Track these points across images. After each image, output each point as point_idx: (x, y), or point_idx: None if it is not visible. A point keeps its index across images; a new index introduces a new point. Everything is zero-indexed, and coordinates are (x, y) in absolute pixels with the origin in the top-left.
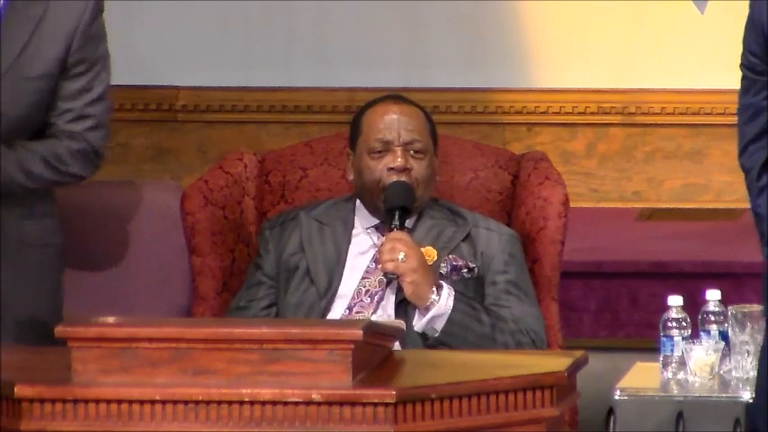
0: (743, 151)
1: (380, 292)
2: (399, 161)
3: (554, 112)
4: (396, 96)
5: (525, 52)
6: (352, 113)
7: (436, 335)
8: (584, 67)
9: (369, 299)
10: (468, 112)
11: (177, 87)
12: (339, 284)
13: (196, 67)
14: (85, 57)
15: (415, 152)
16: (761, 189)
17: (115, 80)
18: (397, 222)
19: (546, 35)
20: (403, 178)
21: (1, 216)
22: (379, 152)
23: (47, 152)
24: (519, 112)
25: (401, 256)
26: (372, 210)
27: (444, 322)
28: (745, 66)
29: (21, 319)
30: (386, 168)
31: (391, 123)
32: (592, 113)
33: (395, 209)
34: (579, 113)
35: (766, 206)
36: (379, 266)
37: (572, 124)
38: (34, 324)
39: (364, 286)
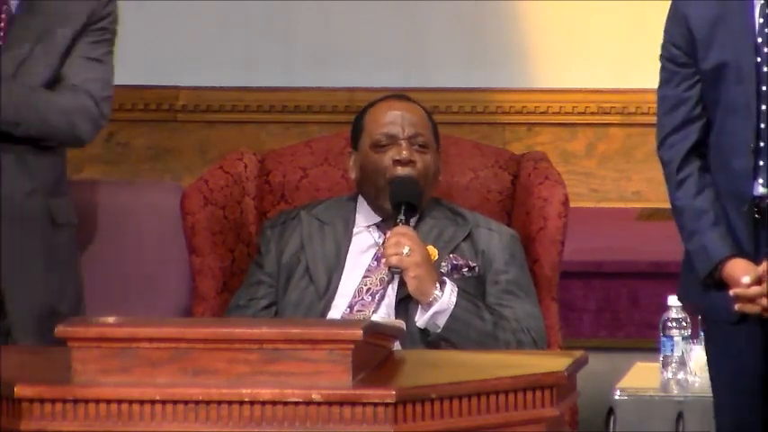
0: (662, 143)
1: (381, 291)
2: (404, 153)
3: (554, 112)
4: (397, 95)
5: (525, 52)
6: (352, 113)
7: (438, 330)
8: (584, 67)
9: (370, 297)
10: (468, 112)
11: (177, 87)
12: (338, 284)
13: (196, 67)
14: (102, 27)
15: (420, 146)
16: (680, 181)
17: (115, 80)
18: (402, 217)
19: (546, 35)
20: (407, 171)
21: (28, 196)
22: (384, 146)
23: (67, 104)
24: (519, 112)
25: (406, 250)
26: (375, 206)
27: (447, 318)
28: (665, 57)
29: (48, 300)
30: (391, 160)
31: (395, 118)
32: (592, 113)
33: (401, 204)
34: (579, 113)
35: (685, 199)
36: (384, 260)
37: (572, 124)
38: (59, 309)
39: (365, 285)
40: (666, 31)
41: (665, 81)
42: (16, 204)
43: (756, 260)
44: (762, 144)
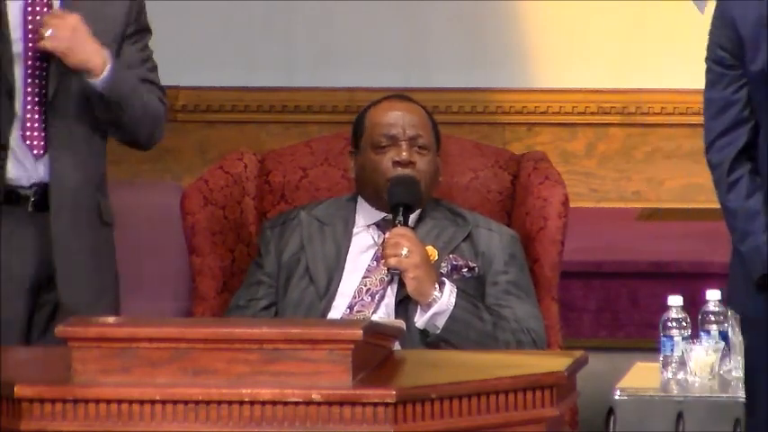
0: (710, 146)
1: (381, 291)
2: (404, 155)
3: (554, 112)
4: (399, 95)
5: (525, 52)
6: (352, 113)
7: (438, 331)
8: (584, 67)
9: (369, 298)
10: (468, 112)
11: (177, 87)
12: (339, 284)
13: (196, 67)
14: (141, 26)
15: (420, 147)
16: (731, 184)
17: None
18: (401, 218)
19: (546, 35)
20: (407, 172)
21: (80, 187)
22: (384, 147)
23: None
24: (519, 112)
25: (404, 251)
26: (376, 204)
27: (446, 319)
28: (712, 60)
29: (90, 299)
30: (391, 162)
31: (396, 119)
32: (592, 113)
33: (399, 204)
34: (579, 113)
35: (737, 200)
36: (383, 261)
37: (572, 124)
38: (100, 305)
39: (365, 285)
40: (712, 33)
41: (711, 83)
42: (70, 193)
43: None
44: None
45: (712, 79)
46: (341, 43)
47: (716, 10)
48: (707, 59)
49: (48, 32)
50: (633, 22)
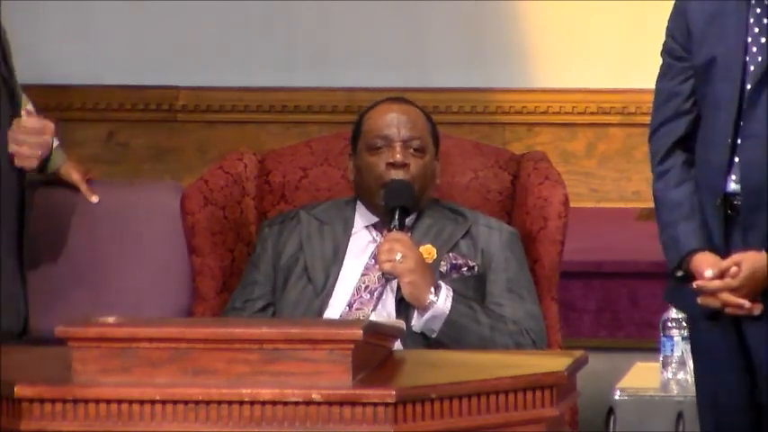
0: (651, 135)
1: (380, 289)
2: (398, 156)
3: (554, 112)
4: (397, 98)
5: (525, 52)
6: (352, 113)
7: (434, 335)
8: (584, 67)
9: (369, 295)
10: (468, 112)
11: (177, 87)
12: (336, 282)
13: (196, 67)
14: None
15: (415, 150)
16: (661, 173)
17: (115, 80)
18: (396, 222)
19: (546, 35)
20: (401, 174)
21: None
22: (379, 148)
23: None
24: (519, 112)
25: (398, 256)
26: (372, 208)
27: (442, 323)
28: (665, 50)
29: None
30: (385, 164)
31: (391, 121)
32: (592, 113)
33: (394, 208)
34: (579, 113)
35: (663, 190)
36: (377, 267)
37: (572, 124)
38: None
39: (364, 283)
40: (668, 24)
41: (662, 74)
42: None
43: (725, 255)
44: (739, 141)
45: (663, 70)
46: (340, 43)
47: (675, 1)
48: (661, 52)
49: None
50: (633, 22)
